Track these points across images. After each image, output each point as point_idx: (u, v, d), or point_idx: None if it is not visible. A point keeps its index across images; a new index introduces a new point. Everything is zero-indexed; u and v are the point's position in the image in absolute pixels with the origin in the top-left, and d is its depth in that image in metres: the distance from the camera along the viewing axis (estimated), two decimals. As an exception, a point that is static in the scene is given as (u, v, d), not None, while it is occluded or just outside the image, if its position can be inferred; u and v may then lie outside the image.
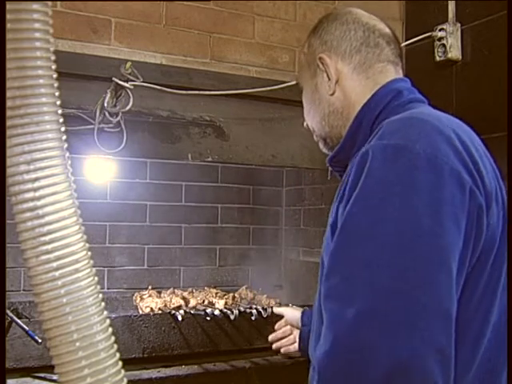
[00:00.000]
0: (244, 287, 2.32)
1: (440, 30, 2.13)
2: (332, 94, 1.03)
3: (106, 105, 1.71)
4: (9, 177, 0.61)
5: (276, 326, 1.52)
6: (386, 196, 0.75)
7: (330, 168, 1.12)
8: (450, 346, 0.72)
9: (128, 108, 1.72)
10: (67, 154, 0.65)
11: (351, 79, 1.02)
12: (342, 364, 0.71)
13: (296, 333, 1.45)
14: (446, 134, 0.80)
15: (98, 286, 0.65)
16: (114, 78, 1.68)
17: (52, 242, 0.61)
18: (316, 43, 1.06)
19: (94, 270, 0.65)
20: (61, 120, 0.64)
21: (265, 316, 1.92)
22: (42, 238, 0.61)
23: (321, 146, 1.11)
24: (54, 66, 0.64)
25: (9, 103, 0.61)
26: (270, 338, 1.52)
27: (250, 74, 2.03)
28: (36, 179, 0.61)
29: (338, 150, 1.03)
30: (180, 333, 1.83)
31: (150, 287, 2.30)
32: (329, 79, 1.03)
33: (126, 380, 0.65)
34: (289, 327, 1.49)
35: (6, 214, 0.64)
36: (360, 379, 0.69)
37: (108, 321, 0.65)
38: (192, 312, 1.88)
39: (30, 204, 0.61)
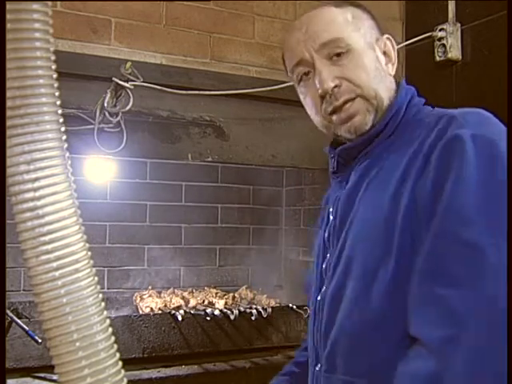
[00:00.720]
0: (244, 287, 2.32)
1: (440, 30, 2.13)
2: (391, 75, 1.02)
3: (106, 105, 1.71)
4: (9, 177, 0.61)
5: None
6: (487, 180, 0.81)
7: (332, 156, 1.05)
8: None
9: (128, 108, 1.72)
10: (67, 154, 0.65)
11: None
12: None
13: None
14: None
15: (98, 286, 0.65)
16: (113, 78, 1.69)
17: (52, 242, 0.61)
18: (370, 22, 1.02)
19: (93, 269, 0.65)
20: (61, 120, 0.64)
21: (265, 316, 1.92)
22: (42, 238, 0.61)
23: (367, 119, 0.97)
24: (54, 66, 0.63)
25: (9, 103, 0.61)
26: None
27: (250, 74, 2.03)
28: (36, 179, 0.61)
29: (378, 131, 0.98)
30: (180, 333, 1.83)
31: (149, 287, 2.30)
32: (391, 61, 1.03)
33: (125, 380, 0.65)
34: None
35: (5, 213, 0.64)
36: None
37: (108, 321, 0.65)
38: (192, 312, 1.88)
39: (30, 204, 0.61)
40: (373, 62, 0.98)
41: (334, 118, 0.98)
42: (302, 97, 1.04)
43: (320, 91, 0.96)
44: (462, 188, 0.80)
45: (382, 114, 0.98)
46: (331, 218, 1.03)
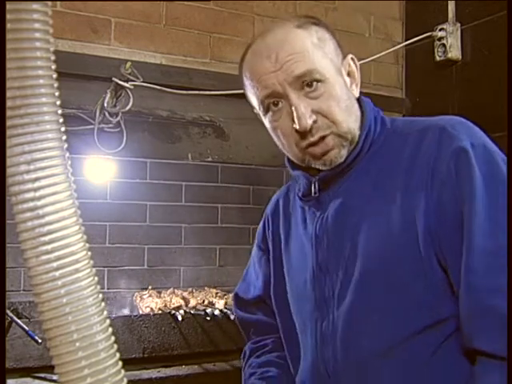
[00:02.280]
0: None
1: (440, 30, 2.14)
2: (355, 98, 1.02)
3: (105, 105, 1.72)
4: (9, 177, 0.61)
5: None
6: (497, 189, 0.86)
7: (311, 181, 1.03)
8: None
9: (128, 108, 1.73)
10: (67, 154, 0.64)
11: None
12: None
13: None
14: None
15: (98, 286, 0.65)
16: (113, 78, 1.69)
17: (52, 242, 0.61)
18: (333, 42, 1.01)
19: (94, 270, 0.65)
20: (61, 120, 0.64)
21: (265, 316, 1.91)
22: (42, 238, 0.61)
23: (342, 153, 0.98)
24: (54, 66, 0.63)
25: (9, 103, 0.61)
26: None
27: (250, 73, 2.03)
28: (36, 179, 0.61)
29: (356, 155, 0.99)
30: (180, 333, 1.83)
31: (149, 287, 2.30)
32: (355, 82, 1.03)
33: (126, 380, 0.65)
34: None
35: (5, 214, 0.64)
36: None
37: (108, 321, 0.65)
38: (192, 312, 1.88)
39: (30, 204, 0.61)
40: (343, 89, 0.98)
41: (310, 151, 0.97)
42: (269, 126, 1.01)
43: (298, 128, 0.94)
44: (478, 204, 0.84)
45: (354, 143, 0.99)
46: (322, 241, 1.00)
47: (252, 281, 1.23)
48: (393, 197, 0.92)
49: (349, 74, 1.02)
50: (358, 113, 1.01)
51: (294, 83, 0.94)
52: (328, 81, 0.95)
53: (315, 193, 1.02)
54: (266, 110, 0.99)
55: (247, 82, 1.02)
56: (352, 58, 1.03)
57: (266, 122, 1.02)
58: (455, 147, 0.88)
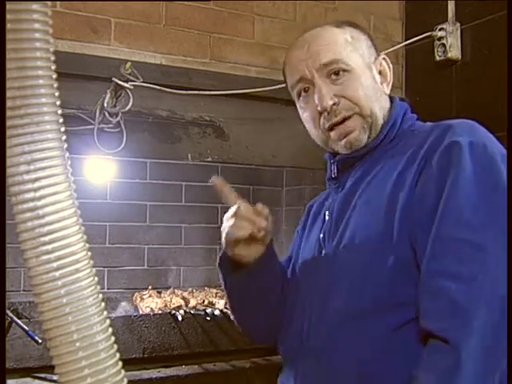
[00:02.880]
0: None
1: (440, 30, 2.13)
2: (386, 95, 1.08)
3: (105, 105, 1.71)
4: (9, 177, 0.61)
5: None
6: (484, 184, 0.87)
7: (332, 162, 1.10)
8: None
9: (128, 108, 1.73)
10: (67, 154, 0.65)
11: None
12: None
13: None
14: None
15: (98, 286, 0.65)
16: (113, 78, 1.69)
17: (52, 243, 0.61)
18: (367, 42, 1.08)
19: (94, 270, 0.65)
20: (61, 120, 0.64)
21: (265, 316, 1.91)
22: (42, 239, 0.61)
23: (362, 136, 1.03)
24: (53, 67, 0.64)
25: (9, 103, 0.61)
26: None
27: (250, 74, 2.03)
28: (36, 179, 0.61)
29: (377, 144, 1.04)
30: (180, 333, 1.83)
31: (150, 287, 2.30)
32: (386, 80, 1.09)
33: (126, 380, 0.65)
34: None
35: (5, 214, 0.64)
36: None
37: (108, 321, 0.65)
38: (192, 312, 1.88)
39: (30, 204, 0.61)
40: (370, 81, 1.05)
41: (332, 134, 1.05)
42: (301, 111, 1.10)
43: (319, 108, 1.02)
44: (459, 191, 0.86)
45: (376, 131, 1.04)
46: (328, 218, 1.07)
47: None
48: (389, 180, 0.97)
49: (380, 73, 1.09)
50: (386, 105, 1.07)
51: (321, 70, 1.03)
52: (354, 71, 1.03)
53: (334, 174, 1.09)
54: (298, 96, 1.08)
55: (286, 73, 1.11)
56: (384, 58, 1.10)
57: (298, 108, 1.10)
58: (452, 140, 0.90)
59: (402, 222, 0.91)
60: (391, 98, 1.09)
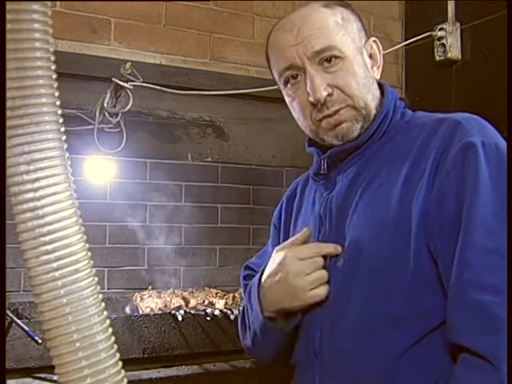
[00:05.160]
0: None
1: (440, 30, 2.14)
2: (376, 80, 1.04)
3: (105, 105, 1.71)
4: (9, 177, 0.61)
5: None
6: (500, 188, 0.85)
7: (321, 157, 1.04)
8: None
9: (128, 108, 1.73)
10: (67, 154, 0.64)
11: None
12: None
13: None
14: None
15: (98, 287, 0.65)
16: (113, 79, 1.69)
17: (52, 243, 0.61)
18: (358, 24, 1.03)
19: (94, 270, 0.65)
20: (61, 120, 0.64)
21: (265, 316, 1.91)
22: (42, 239, 0.61)
23: (355, 127, 0.98)
24: (53, 67, 0.63)
25: (8, 104, 0.61)
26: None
27: (250, 74, 2.03)
28: (36, 180, 0.61)
29: (369, 136, 1.00)
30: (180, 333, 1.83)
31: (150, 287, 2.30)
32: (376, 64, 1.05)
33: (126, 380, 0.65)
34: None
35: (5, 214, 0.64)
36: None
37: (108, 321, 0.65)
38: (192, 312, 1.88)
39: (30, 204, 0.61)
40: (362, 68, 1.00)
41: (323, 123, 0.99)
42: (288, 99, 1.04)
43: (312, 99, 0.97)
44: (481, 199, 0.83)
45: (369, 121, 1.00)
46: (325, 219, 1.02)
47: (264, 257, 1.24)
48: (395, 182, 0.92)
49: (371, 56, 1.05)
50: (377, 93, 1.03)
51: (313, 58, 0.97)
52: (347, 58, 0.98)
53: (324, 170, 1.04)
54: (285, 83, 1.02)
55: (270, 56, 1.05)
56: (375, 41, 1.06)
57: (285, 94, 1.04)
58: (465, 141, 0.87)
59: (419, 231, 0.87)
60: (382, 85, 1.05)
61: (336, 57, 0.97)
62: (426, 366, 0.87)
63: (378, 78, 1.05)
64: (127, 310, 2.12)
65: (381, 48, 1.07)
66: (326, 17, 0.99)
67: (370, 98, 1.00)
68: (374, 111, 1.00)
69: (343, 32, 0.99)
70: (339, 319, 0.95)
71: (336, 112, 0.97)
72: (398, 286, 0.88)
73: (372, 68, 1.04)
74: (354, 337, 0.92)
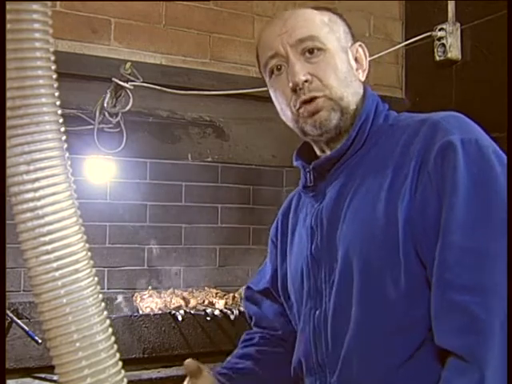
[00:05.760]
0: (244, 287, 2.31)
1: (440, 30, 2.14)
2: (361, 81, 1.05)
3: (105, 105, 1.71)
4: (9, 177, 0.61)
5: None
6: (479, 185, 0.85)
7: (307, 170, 1.06)
8: None
9: (128, 108, 1.73)
10: (67, 154, 0.64)
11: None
12: None
13: None
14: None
15: (98, 287, 0.65)
16: (113, 79, 1.69)
17: (52, 243, 0.61)
18: (344, 28, 1.05)
19: (94, 270, 0.65)
20: (61, 120, 0.64)
21: (265, 316, 1.91)
22: (42, 239, 0.61)
23: (332, 116, 0.99)
24: (53, 67, 0.63)
25: (8, 104, 0.61)
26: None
27: (250, 74, 2.03)
28: (36, 180, 0.61)
29: (350, 143, 1.00)
30: (180, 333, 1.83)
31: (150, 287, 2.30)
32: (362, 68, 1.06)
33: (126, 380, 0.65)
34: None
35: (5, 214, 0.64)
36: None
37: (108, 321, 0.65)
38: (192, 312, 1.88)
39: (30, 204, 0.61)
40: (344, 64, 1.01)
41: (302, 110, 1.00)
42: (272, 91, 1.05)
43: (291, 84, 0.98)
44: (459, 199, 0.83)
45: (348, 119, 1.00)
46: (317, 232, 1.02)
47: (264, 274, 1.25)
48: (380, 188, 0.92)
49: (356, 60, 1.05)
50: (359, 91, 1.03)
51: (296, 46, 0.99)
52: (329, 51, 1.00)
53: (310, 182, 1.05)
54: (270, 74, 1.04)
55: (259, 50, 1.07)
56: (361, 45, 1.07)
57: (269, 86, 1.06)
58: (445, 141, 0.87)
59: (406, 236, 0.87)
60: (364, 88, 1.06)
61: (318, 48, 0.99)
62: (424, 374, 0.87)
63: (363, 79, 1.05)
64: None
65: (367, 54, 1.07)
66: (313, 14, 1.03)
67: (350, 92, 1.01)
68: (353, 106, 1.01)
69: (328, 29, 1.02)
70: (340, 332, 0.95)
71: (312, 99, 0.98)
72: (394, 293, 0.88)
73: (357, 70, 1.05)
74: (354, 349, 0.92)
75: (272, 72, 1.03)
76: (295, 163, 1.10)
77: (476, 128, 0.92)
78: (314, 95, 0.98)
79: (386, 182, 0.92)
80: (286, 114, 1.04)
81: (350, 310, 0.93)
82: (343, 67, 1.01)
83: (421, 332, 0.87)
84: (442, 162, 0.86)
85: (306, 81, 0.98)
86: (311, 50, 0.99)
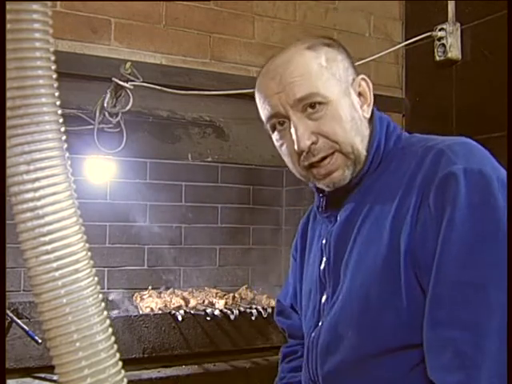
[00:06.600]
0: (244, 287, 2.32)
1: (440, 30, 2.14)
2: (367, 118, 1.02)
3: (105, 105, 1.71)
4: (9, 177, 0.61)
5: None
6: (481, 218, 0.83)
7: (320, 196, 1.05)
8: None
9: (128, 108, 1.72)
10: (67, 154, 0.65)
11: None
12: None
13: None
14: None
15: (98, 287, 0.65)
16: (113, 78, 1.68)
17: (52, 243, 0.61)
18: (344, 63, 1.01)
19: (94, 270, 0.65)
20: (61, 120, 0.64)
21: (265, 316, 1.92)
22: (42, 239, 0.61)
23: (346, 173, 0.97)
24: (53, 66, 0.63)
25: (8, 103, 0.61)
26: None
27: (250, 74, 2.03)
28: (36, 179, 0.61)
29: (363, 174, 0.99)
30: (180, 333, 1.83)
31: (150, 287, 2.30)
32: (366, 102, 1.02)
33: (126, 380, 0.65)
34: None
35: (5, 214, 0.64)
36: None
37: (108, 321, 0.65)
38: (192, 312, 1.88)
39: (30, 204, 0.61)
40: (348, 111, 0.97)
41: (314, 171, 0.98)
42: (277, 143, 1.03)
43: (296, 149, 0.96)
44: (454, 233, 0.82)
45: (360, 164, 0.98)
46: (325, 253, 1.03)
47: (288, 288, 1.27)
48: (386, 216, 0.92)
49: (360, 94, 1.02)
50: (367, 132, 1.00)
51: (296, 105, 0.96)
52: (331, 103, 0.96)
53: (323, 207, 1.05)
54: (273, 129, 1.02)
55: (257, 100, 1.04)
56: (363, 79, 1.03)
57: (274, 139, 1.04)
58: (446, 172, 0.85)
59: (407, 267, 0.86)
60: (371, 120, 1.02)
61: (319, 103, 0.95)
62: None
63: (368, 116, 1.01)
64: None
65: (370, 85, 1.03)
66: (309, 60, 0.97)
67: (359, 140, 0.98)
68: (364, 152, 0.98)
69: (327, 75, 0.97)
70: (331, 350, 0.96)
71: (323, 159, 0.96)
72: (391, 322, 0.89)
73: (362, 107, 1.01)
74: (345, 368, 0.94)
75: (274, 127, 1.01)
76: (310, 185, 1.08)
77: (483, 156, 0.89)
78: (324, 155, 0.96)
79: (392, 211, 0.91)
80: (293, 169, 1.03)
81: (344, 333, 0.94)
82: (347, 115, 0.97)
83: (414, 356, 0.88)
84: (442, 192, 0.84)
85: (312, 143, 0.95)
86: (313, 105, 0.95)
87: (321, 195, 1.05)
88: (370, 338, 0.91)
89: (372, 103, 1.03)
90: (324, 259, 1.03)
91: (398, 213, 0.90)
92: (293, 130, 0.96)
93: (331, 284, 0.99)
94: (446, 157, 0.87)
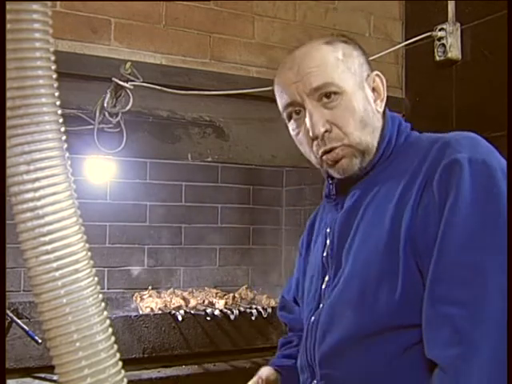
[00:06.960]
0: (244, 287, 2.32)
1: (440, 30, 2.13)
2: (380, 112, 1.06)
3: (105, 105, 1.71)
4: (9, 177, 0.61)
5: None
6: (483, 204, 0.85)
7: (330, 182, 1.09)
8: None
9: (128, 108, 1.72)
10: (67, 154, 0.65)
11: None
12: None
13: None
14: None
15: (98, 287, 0.65)
16: (113, 78, 1.68)
17: (52, 243, 0.61)
18: (360, 59, 1.05)
19: (94, 270, 0.65)
20: (61, 120, 0.64)
21: (265, 316, 1.92)
22: (42, 239, 0.61)
23: (354, 162, 1.02)
24: (53, 67, 0.63)
25: (9, 103, 0.61)
26: None
27: (250, 74, 2.03)
28: (36, 179, 0.61)
29: (373, 165, 1.03)
30: (180, 333, 1.83)
31: (150, 287, 2.30)
32: (380, 97, 1.06)
33: (126, 380, 0.65)
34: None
35: (5, 214, 0.64)
36: None
37: (108, 321, 0.65)
38: (192, 312, 1.88)
39: (30, 204, 0.61)
40: (362, 103, 1.02)
41: (324, 158, 1.02)
42: (293, 133, 1.08)
43: (311, 135, 1.01)
44: (457, 216, 0.85)
45: (370, 155, 1.02)
46: (328, 239, 1.06)
47: (291, 283, 1.30)
48: (390, 201, 0.95)
49: (374, 90, 1.06)
50: (378, 124, 1.04)
51: (312, 94, 1.00)
52: (345, 93, 1.00)
53: (333, 194, 1.08)
54: (289, 118, 1.06)
55: (275, 90, 1.08)
56: (377, 75, 1.07)
57: (290, 128, 1.08)
58: (451, 159, 0.89)
59: (406, 250, 0.89)
60: (383, 113, 1.07)
61: (335, 93, 1.00)
62: (410, 376, 0.89)
63: (381, 110, 1.06)
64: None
65: (384, 81, 1.08)
66: (326, 53, 1.02)
67: (369, 132, 1.02)
68: (374, 144, 1.02)
69: (343, 68, 1.01)
70: (330, 330, 0.98)
71: (332, 149, 1.01)
72: (386, 301, 0.91)
73: (375, 101, 1.05)
74: (341, 348, 0.96)
75: (291, 116, 1.05)
76: (322, 170, 1.12)
77: (487, 149, 0.92)
78: (334, 146, 1.00)
79: (396, 197, 0.94)
80: (309, 157, 1.07)
81: (343, 313, 0.96)
82: (361, 107, 1.01)
83: (411, 337, 0.89)
84: (446, 178, 0.87)
85: (326, 131, 1.00)
86: (328, 95, 1.00)
87: (330, 182, 1.09)
88: (367, 317, 0.93)
89: (385, 99, 1.07)
90: (327, 245, 1.06)
91: (401, 198, 0.93)
92: (307, 117, 1.00)
93: (333, 268, 1.02)
94: (451, 147, 0.91)
